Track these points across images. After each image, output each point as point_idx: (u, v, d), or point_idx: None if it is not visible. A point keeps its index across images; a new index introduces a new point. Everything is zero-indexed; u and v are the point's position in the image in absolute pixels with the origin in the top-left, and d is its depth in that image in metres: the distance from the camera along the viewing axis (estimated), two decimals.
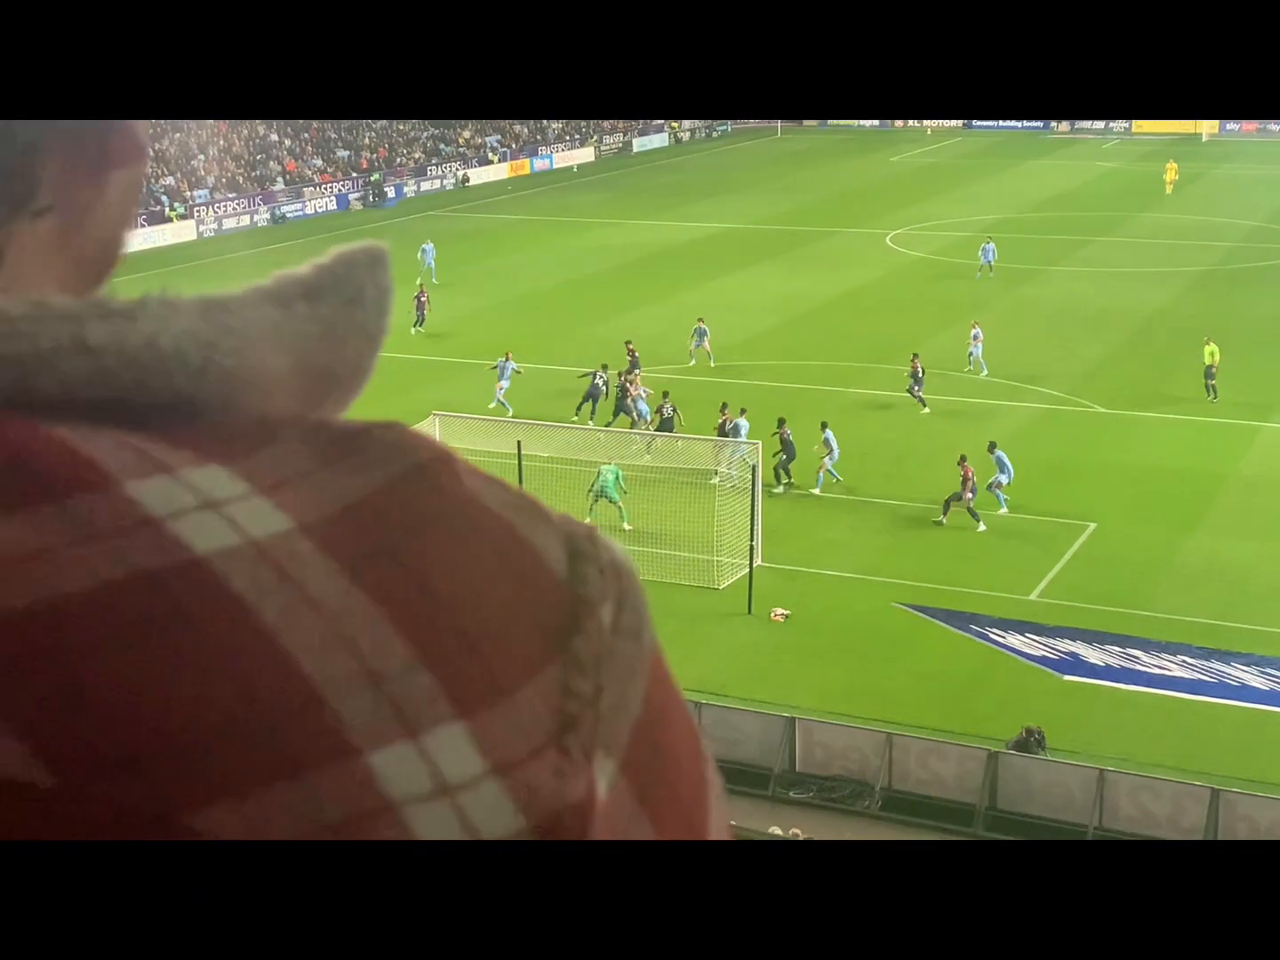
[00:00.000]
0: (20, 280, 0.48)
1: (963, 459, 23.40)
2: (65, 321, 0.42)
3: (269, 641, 0.39)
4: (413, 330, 34.36)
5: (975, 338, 31.29)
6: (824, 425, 24.96)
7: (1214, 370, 29.35)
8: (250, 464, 0.42)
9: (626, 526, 22.79)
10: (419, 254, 40.87)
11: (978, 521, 23.14)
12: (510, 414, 27.72)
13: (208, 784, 0.37)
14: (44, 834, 0.36)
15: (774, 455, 24.63)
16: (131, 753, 0.37)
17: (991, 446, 24.27)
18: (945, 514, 23.40)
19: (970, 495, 23.12)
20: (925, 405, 28.96)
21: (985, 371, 31.04)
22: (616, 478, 22.99)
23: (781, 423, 24.97)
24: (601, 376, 28.62)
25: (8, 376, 0.41)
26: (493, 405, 28.62)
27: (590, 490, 23.00)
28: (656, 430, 26.47)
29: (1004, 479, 23.84)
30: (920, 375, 29.07)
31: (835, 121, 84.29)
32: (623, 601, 0.47)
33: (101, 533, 0.39)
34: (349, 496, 0.43)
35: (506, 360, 29.55)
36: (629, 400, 28.04)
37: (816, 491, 24.48)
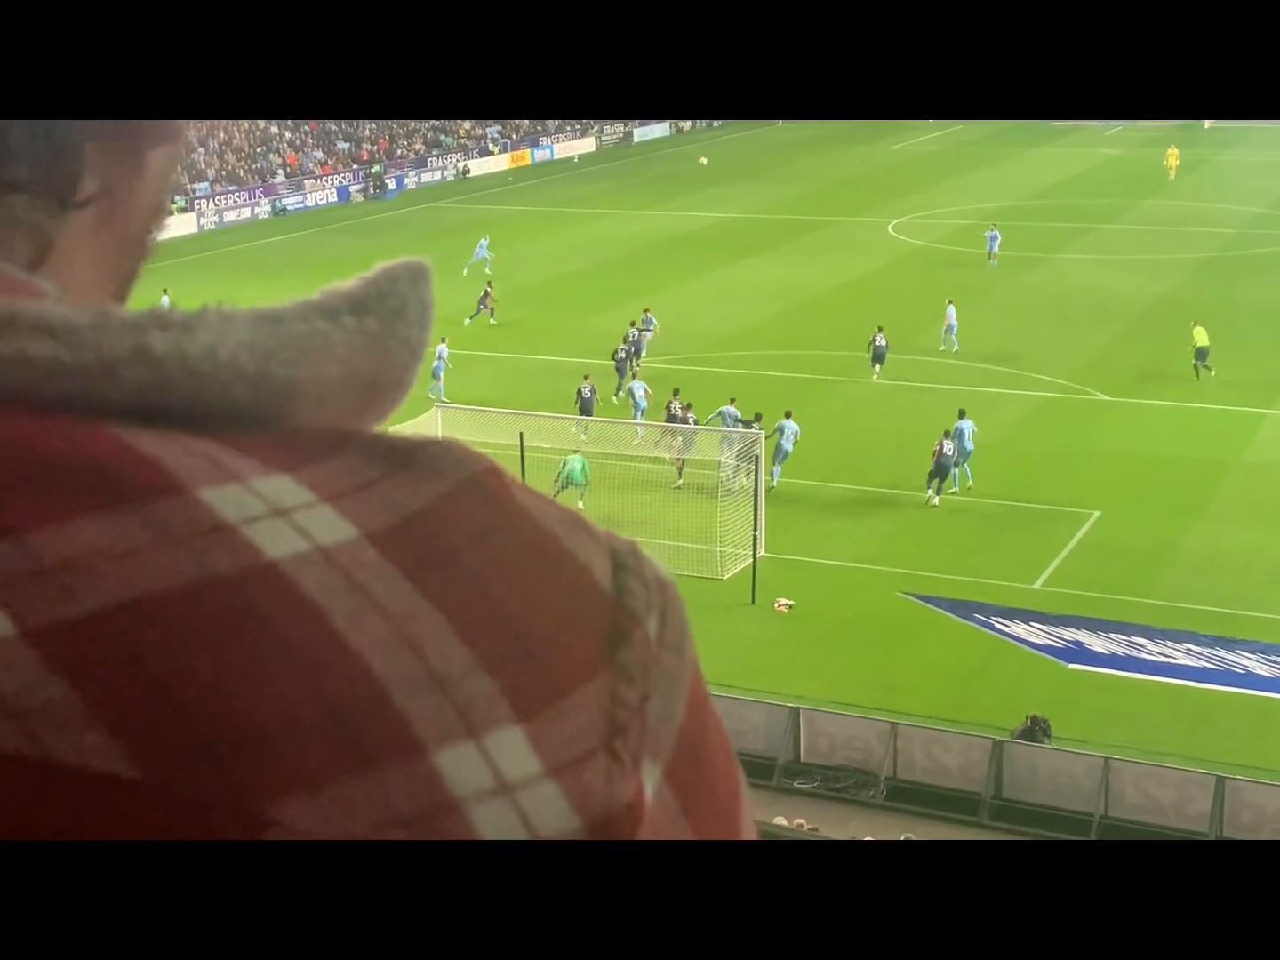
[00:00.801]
0: (70, 267, 0.51)
1: (945, 434, 23.99)
2: (128, 331, 0.44)
3: (339, 642, 0.41)
4: (467, 321, 34.86)
5: (949, 318, 32.13)
6: (787, 414, 24.89)
7: (1205, 351, 29.72)
8: (314, 474, 0.44)
9: (579, 505, 23.11)
10: (476, 251, 41.36)
11: (927, 494, 23.71)
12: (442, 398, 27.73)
13: (283, 775, 0.39)
14: (128, 827, 0.38)
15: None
16: (211, 745, 0.38)
17: (961, 414, 24.58)
18: (938, 494, 23.78)
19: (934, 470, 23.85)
20: (876, 375, 30.09)
21: (951, 348, 31.91)
22: (582, 467, 23.43)
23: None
24: (624, 349, 29.65)
25: (75, 385, 0.43)
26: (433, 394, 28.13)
27: (557, 478, 23.29)
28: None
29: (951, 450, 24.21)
30: (883, 347, 30.09)
31: None
32: (666, 615, 0.48)
33: (179, 536, 0.41)
34: (409, 507, 0.44)
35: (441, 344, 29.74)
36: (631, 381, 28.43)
37: (772, 484, 24.05)
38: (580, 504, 23.30)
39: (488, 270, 39.56)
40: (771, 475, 24.03)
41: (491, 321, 35.39)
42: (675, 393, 26.55)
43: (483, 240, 41.81)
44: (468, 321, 35.03)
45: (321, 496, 0.43)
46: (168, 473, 0.42)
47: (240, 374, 0.45)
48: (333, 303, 0.48)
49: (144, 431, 0.43)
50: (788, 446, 24.47)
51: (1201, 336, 29.95)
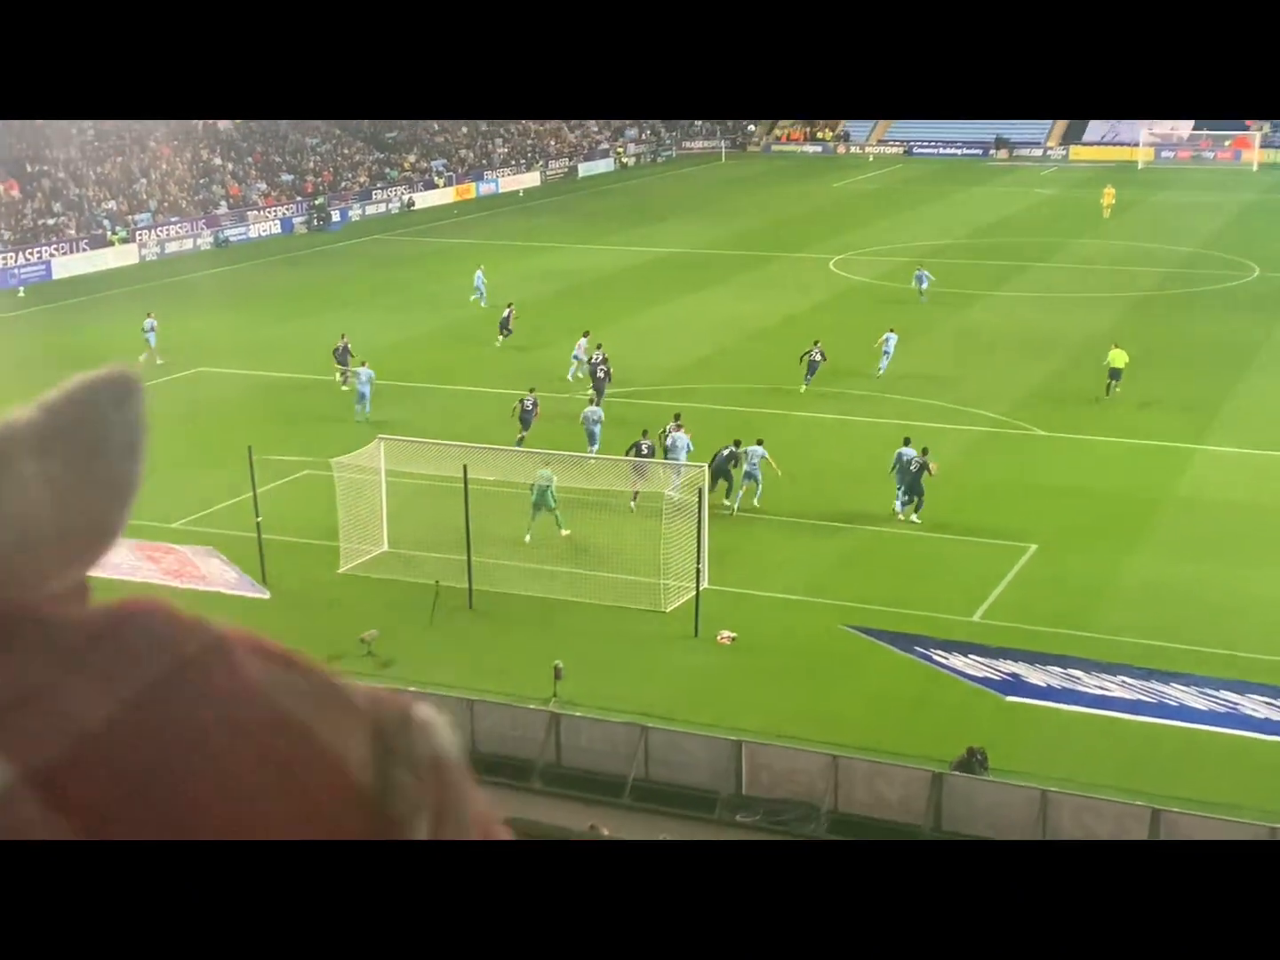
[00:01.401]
0: None
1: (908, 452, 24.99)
2: None
3: None
4: (497, 342, 36.47)
5: (887, 341, 33.33)
6: (758, 442, 25.48)
7: (1119, 372, 31.31)
8: None
9: (565, 532, 23.46)
10: (475, 283, 42.02)
11: (898, 512, 24.58)
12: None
13: None
14: None
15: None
16: None
17: (905, 441, 25.29)
18: (914, 512, 24.58)
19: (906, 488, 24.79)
20: (804, 385, 31.81)
21: (878, 371, 33.26)
22: (550, 488, 23.33)
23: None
24: (603, 369, 30.68)
25: None
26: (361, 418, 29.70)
27: (533, 502, 23.31)
28: (664, 455, 25.84)
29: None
30: (816, 359, 31.80)
31: (779, 147, 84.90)
32: (443, 810, 0.38)
33: None
34: (91, 719, 0.33)
35: (363, 367, 30.91)
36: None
37: (755, 504, 24.87)
38: (564, 532, 23.42)
39: (483, 304, 40.17)
40: (754, 496, 24.94)
41: (499, 341, 36.50)
42: (676, 416, 26.72)
43: (478, 272, 42.22)
44: (498, 343, 36.34)
45: None
46: None
47: None
48: (7, 448, 0.37)
49: None
50: (755, 471, 24.91)
51: (1118, 359, 31.55)
